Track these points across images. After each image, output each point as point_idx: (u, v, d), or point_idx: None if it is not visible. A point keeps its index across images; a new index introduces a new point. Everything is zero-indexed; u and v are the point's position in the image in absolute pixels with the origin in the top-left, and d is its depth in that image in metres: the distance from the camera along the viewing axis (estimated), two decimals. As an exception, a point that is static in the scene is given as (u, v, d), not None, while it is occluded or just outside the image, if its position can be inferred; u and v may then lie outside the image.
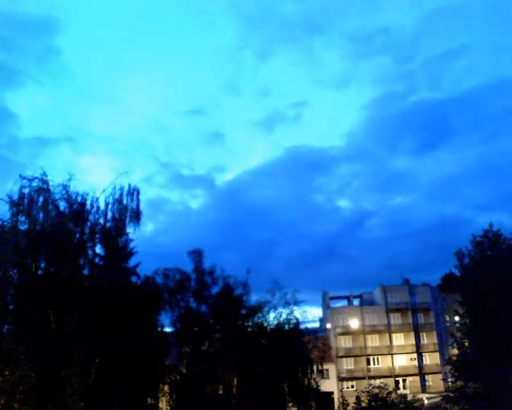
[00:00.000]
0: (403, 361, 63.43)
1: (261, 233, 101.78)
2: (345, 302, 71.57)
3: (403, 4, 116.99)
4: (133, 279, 23.48)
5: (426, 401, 46.47)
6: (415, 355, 63.38)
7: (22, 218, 19.82)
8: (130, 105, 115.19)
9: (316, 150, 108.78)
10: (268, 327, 29.01)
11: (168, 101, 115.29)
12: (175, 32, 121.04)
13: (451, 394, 29.84)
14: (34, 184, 20.13)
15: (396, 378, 60.63)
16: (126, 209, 21.98)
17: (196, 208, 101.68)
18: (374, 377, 56.34)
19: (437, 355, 62.95)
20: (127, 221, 22.00)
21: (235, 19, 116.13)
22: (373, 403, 34.06)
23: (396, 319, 65.59)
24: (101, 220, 21.52)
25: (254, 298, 28.62)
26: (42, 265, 20.03)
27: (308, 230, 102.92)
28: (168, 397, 25.48)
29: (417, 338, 64.50)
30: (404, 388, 58.94)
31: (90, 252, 21.30)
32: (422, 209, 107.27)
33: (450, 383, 33.22)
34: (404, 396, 38.15)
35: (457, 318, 35.24)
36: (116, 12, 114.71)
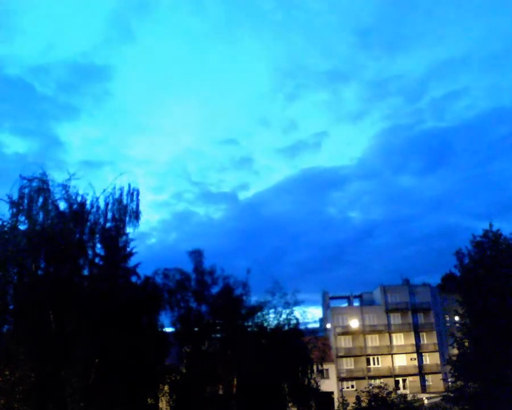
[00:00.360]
0: (403, 361, 63.43)
1: (276, 241, 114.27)
2: (345, 302, 71.62)
3: (414, 56, 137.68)
4: (133, 279, 23.50)
5: (426, 401, 46.42)
6: (414, 355, 63.38)
7: (22, 218, 19.85)
8: (169, 132, 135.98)
9: (330, 169, 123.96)
10: (268, 327, 29.02)
11: (204, 130, 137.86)
12: (215, 71, 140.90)
13: (451, 394, 29.80)
14: (34, 184, 20.15)
15: (396, 378, 60.63)
16: (126, 209, 22.00)
17: (218, 219, 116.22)
18: (374, 377, 56.37)
19: (437, 355, 62.95)
20: (126, 221, 22.03)
21: (270, 68, 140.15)
22: (373, 403, 34.02)
23: (396, 319, 65.59)
24: (101, 220, 21.56)
25: (254, 298, 28.68)
26: (42, 265, 20.02)
27: (320, 238, 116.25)
28: (168, 397, 25.48)
29: (417, 338, 64.50)
30: (404, 388, 58.96)
31: (90, 252, 21.33)
32: (425, 219, 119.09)
33: (450, 383, 33.18)
34: (404, 396, 38.13)
35: (457, 318, 35.21)
36: (160, 53, 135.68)
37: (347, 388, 59.34)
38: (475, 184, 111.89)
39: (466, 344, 28.08)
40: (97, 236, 21.49)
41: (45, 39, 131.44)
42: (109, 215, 21.71)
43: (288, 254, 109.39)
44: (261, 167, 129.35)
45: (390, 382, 47.86)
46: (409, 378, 62.05)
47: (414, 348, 63.49)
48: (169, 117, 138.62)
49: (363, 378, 59.35)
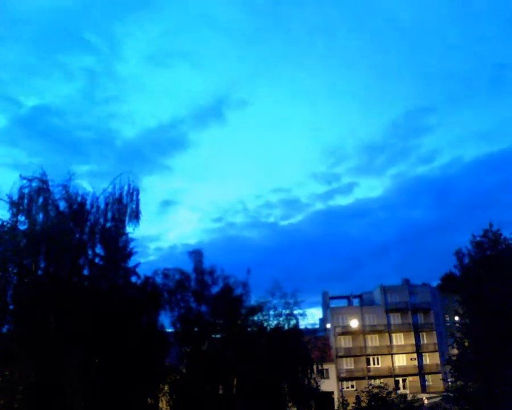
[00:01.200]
0: (403, 361, 63.46)
1: (303, 254, 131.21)
2: (344, 302, 71.59)
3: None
4: (133, 279, 23.48)
5: (426, 401, 46.42)
6: (414, 355, 63.40)
7: (22, 218, 19.84)
8: (231, 180, 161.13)
9: (357, 201, 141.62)
10: (268, 327, 29.03)
11: (260, 179, 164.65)
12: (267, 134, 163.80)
13: (451, 394, 29.83)
14: (34, 184, 20.14)
15: (396, 378, 60.65)
16: (126, 209, 21.99)
17: (256, 239, 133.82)
18: (374, 377, 56.37)
19: (437, 355, 62.96)
20: (126, 221, 22.02)
21: (317, 147, 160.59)
22: (373, 403, 34.02)
23: (396, 319, 65.61)
24: (101, 220, 21.55)
25: (254, 298, 28.68)
26: (42, 265, 20.01)
27: (341, 251, 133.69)
28: (168, 397, 25.48)
29: (417, 338, 64.53)
30: (404, 388, 58.99)
31: (90, 252, 21.31)
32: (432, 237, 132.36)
33: (450, 383, 33.20)
34: (404, 395, 38.09)
35: (457, 318, 35.23)
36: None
37: (347, 388, 59.32)
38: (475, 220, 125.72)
39: (466, 344, 28.10)
40: (97, 236, 21.46)
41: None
42: (109, 215, 21.69)
43: (310, 265, 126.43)
44: (303, 204, 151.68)
45: (390, 382, 47.87)
46: (409, 378, 62.07)
47: (414, 348, 63.51)
48: (234, 170, 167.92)
49: (363, 378, 59.36)
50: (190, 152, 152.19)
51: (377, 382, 41.99)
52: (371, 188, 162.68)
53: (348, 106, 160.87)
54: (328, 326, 66.32)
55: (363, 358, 63.17)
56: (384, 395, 34.43)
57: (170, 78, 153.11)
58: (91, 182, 22.20)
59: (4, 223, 19.21)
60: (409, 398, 37.48)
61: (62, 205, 20.77)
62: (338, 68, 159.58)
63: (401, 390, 51.17)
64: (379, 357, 63.66)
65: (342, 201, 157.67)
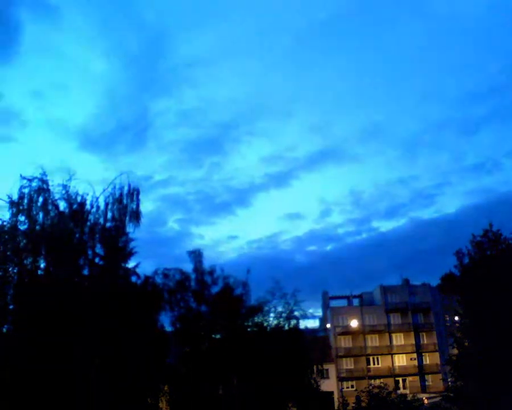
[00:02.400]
0: (403, 361, 63.49)
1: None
2: (344, 302, 71.61)
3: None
4: (133, 279, 23.46)
5: (426, 401, 46.43)
6: (414, 355, 63.45)
7: (22, 218, 19.86)
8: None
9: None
10: (268, 327, 29.00)
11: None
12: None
13: (451, 394, 29.82)
14: (34, 184, 20.17)
15: (396, 378, 60.69)
16: (126, 209, 21.99)
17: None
18: (374, 377, 56.41)
19: (437, 355, 63.00)
20: (126, 221, 22.02)
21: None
22: (373, 403, 34.01)
23: (396, 319, 65.65)
24: (101, 220, 21.54)
25: (254, 298, 28.66)
26: (42, 265, 20.03)
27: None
28: (168, 397, 25.48)
29: (417, 338, 64.57)
30: (404, 387, 59.02)
31: (90, 252, 21.30)
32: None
33: (450, 383, 33.18)
34: (404, 395, 38.09)
35: (457, 318, 35.23)
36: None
37: (347, 388, 59.37)
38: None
39: (466, 344, 28.09)
40: (97, 236, 21.45)
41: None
42: (109, 215, 21.68)
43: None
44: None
45: (390, 382, 47.86)
46: (409, 378, 62.12)
47: (414, 348, 63.56)
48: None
49: (363, 378, 59.39)
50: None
51: (377, 382, 41.96)
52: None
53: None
54: (328, 326, 66.34)
55: (363, 358, 63.20)
56: (384, 395, 34.40)
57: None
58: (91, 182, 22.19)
59: (4, 223, 19.23)
60: (409, 398, 37.45)
61: (62, 205, 20.80)
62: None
63: (401, 390, 51.22)
64: (379, 357, 63.69)
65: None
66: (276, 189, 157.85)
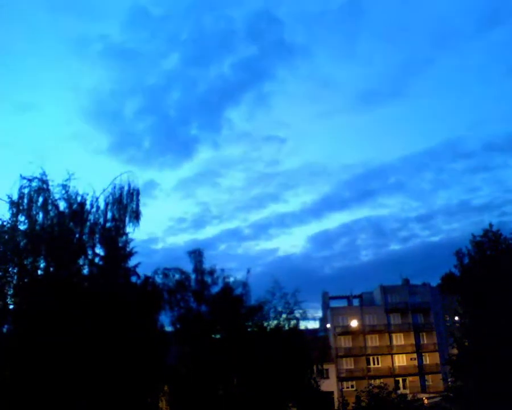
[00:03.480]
0: (403, 361, 63.47)
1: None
2: (344, 302, 71.61)
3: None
4: (133, 279, 23.46)
5: (426, 401, 46.42)
6: (414, 355, 63.43)
7: (22, 218, 19.84)
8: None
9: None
10: (268, 327, 28.98)
11: None
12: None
13: (451, 394, 29.84)
14: (34, 184, 20.14)
15: (396, 378, 60.67)
16: (126, 209, 21.99)
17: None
18: (374, 377, 56.43)
19: (437, 354, 62.98)
20: (126, 221, 22.02)
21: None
22: (373, 403, 33.99)
23: (396, 319, 65.65)
24: (101, 220, 21.53)
25: (254, 298, 28.64)
26: (42, 265, 20.02)
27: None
28: (168, 397, 25.47)
29: (417, 338, 64.56)
30: (404, 387, 58.99)
31: (90, 252, 21.30)
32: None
33: (450, 383, 33.19)
34: (404, 395, 38.03)
35: (457, 318, 35.24)
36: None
37: (347, 388, 59.38)
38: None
39: (466, 344, 28.10)
40: (97, 236, 21.44)
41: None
42: (109, 215, 21.67)
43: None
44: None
45: (390, 382, 47.82)
46: (409, 378, 62.11)
47: (414, 348, 63.55)
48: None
49: (363, 378, 59.37)
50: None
51: (377, 382, 41.97)
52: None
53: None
54: (328, 325, 66.33)
55: (363, 358, 63.19)
56: (384, 395, 34.37)
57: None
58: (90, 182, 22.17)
59: (4, 223, 19.22)
60: (409, 398, 37.43)
61: (62, 205, 20.76)
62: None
63: (401, 390, 51.14)
64: (379, 357, 63.67)
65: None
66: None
